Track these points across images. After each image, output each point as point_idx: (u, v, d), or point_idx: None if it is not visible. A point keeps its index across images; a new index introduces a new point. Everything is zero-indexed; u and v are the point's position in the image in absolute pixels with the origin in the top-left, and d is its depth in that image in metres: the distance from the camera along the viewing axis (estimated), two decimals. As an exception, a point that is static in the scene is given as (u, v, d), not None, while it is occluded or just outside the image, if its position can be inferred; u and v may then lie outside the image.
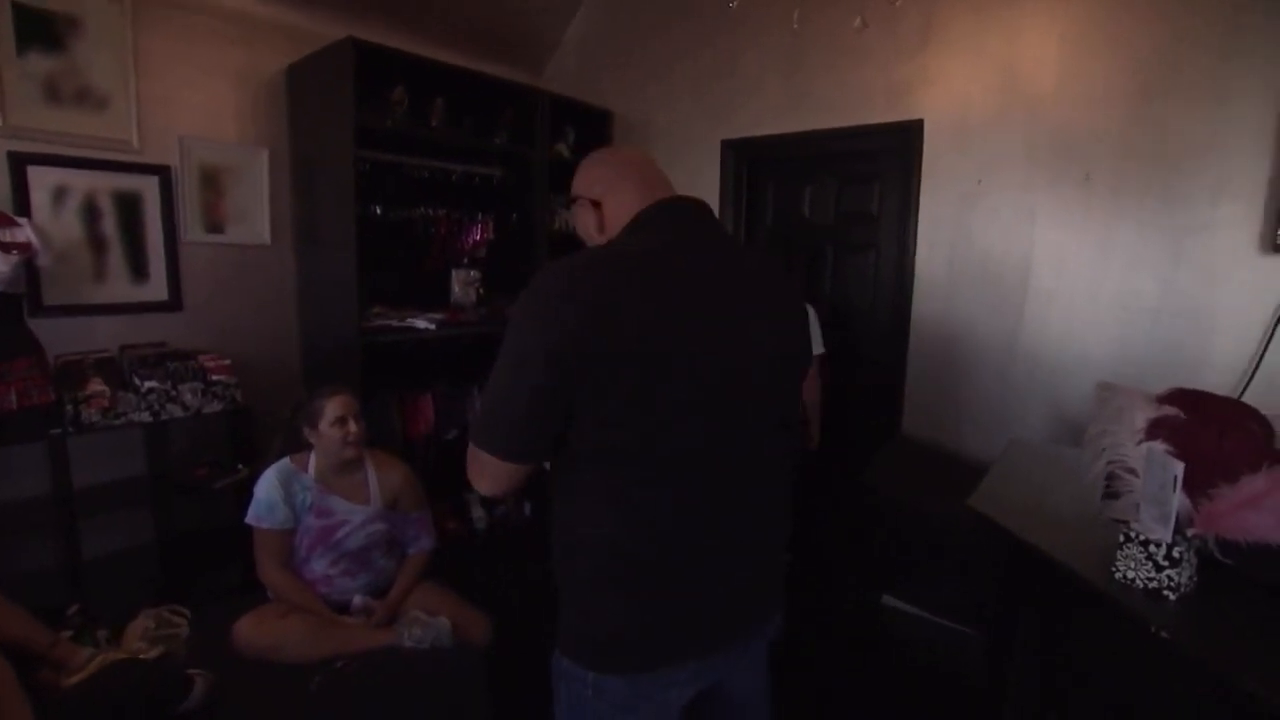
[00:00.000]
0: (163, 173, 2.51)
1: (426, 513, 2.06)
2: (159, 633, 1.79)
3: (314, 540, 1.88)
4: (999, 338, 2.58)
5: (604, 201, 1.01)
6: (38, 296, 2.26)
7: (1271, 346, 2.04)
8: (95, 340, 2.39)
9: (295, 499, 1.87)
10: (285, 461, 1.91)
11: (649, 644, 0.95)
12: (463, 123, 3.17)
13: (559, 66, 3.77)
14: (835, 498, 2.78)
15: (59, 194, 2.30)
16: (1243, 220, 2.08)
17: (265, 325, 2.85)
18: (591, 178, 1.04)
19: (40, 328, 2.17)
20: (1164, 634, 1.08)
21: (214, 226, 2.68)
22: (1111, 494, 1.33)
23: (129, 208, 2.46)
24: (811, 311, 2.62)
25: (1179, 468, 1.12)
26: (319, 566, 1.89)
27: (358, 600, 1.90)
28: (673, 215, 0.98)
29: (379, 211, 2.94)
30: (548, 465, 0.97)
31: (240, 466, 2.45)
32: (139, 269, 2.51)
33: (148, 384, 2.23)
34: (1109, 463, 1.35)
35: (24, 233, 2.06)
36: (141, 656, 1.67)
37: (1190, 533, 1.16)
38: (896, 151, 2.77)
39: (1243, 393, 2.06)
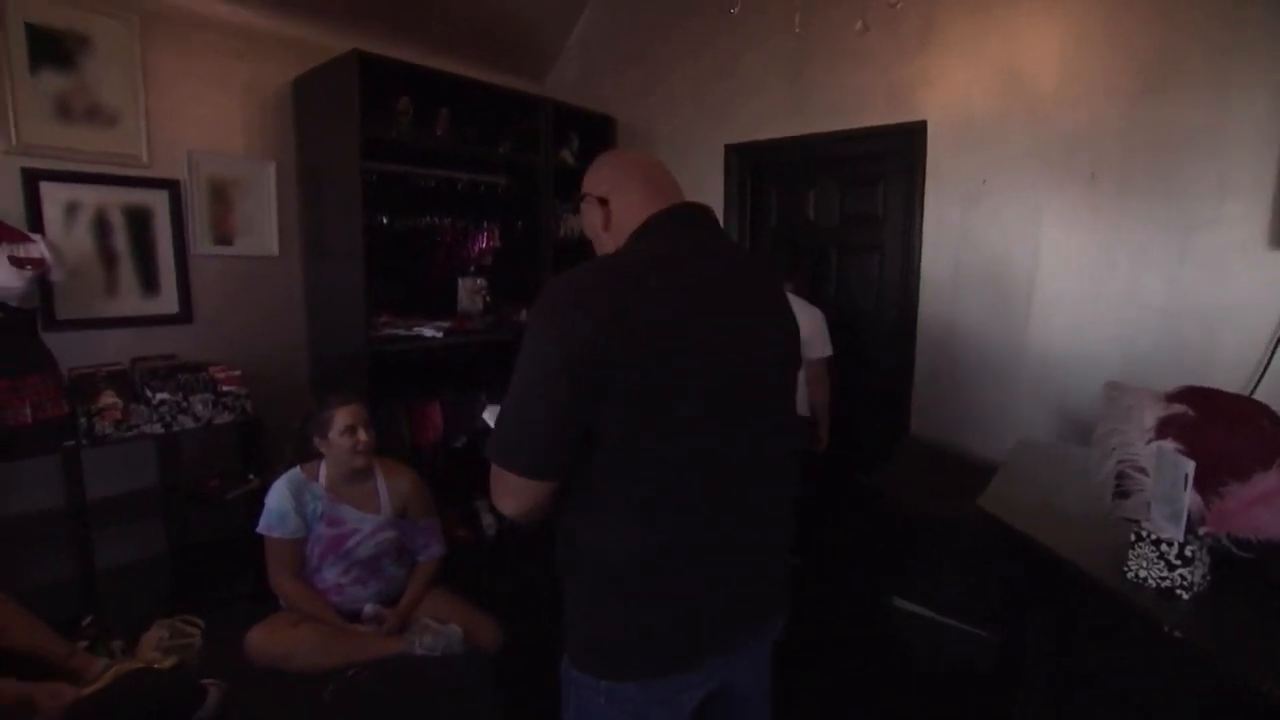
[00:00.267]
0: (172, 187, 2.54)
1: (436, 520, 2.07)
2: (173, 643, 1.81)
3: (325, 549, 1.89)
4: (1006, 338, 2.57)
5: (611, 200, 1.04)
6: (51, 311, 2.29)
7: (1282, 343, 2.03)
8: (107, 353, 2.41)
9: (306, 508, 1.88)
10: (296, 471, 1.92)
11: (662, 649, 0.95)
12: (467, 132, 3.19)
13: (561, 74, 3.80)
14: (843, 500, 2.78)
15: (71, 209, 2.33)
16: (1249, 216, 2.07)
17: (274, 336, 2.88)
18: (600, 177, 1.07)
19: (53, 341, 2.20)
20: (1177, 633, 1.07)
21: (223, 239, 2.71)
22: (1122, 493, 1.33)
23: (139, 222, 2.49)
24: (819, 314, 2.62)
25: (1190, 466, 1.12)
26: (330, 575, 1.90)
27: (369, 609, 1.91)
28: (680, 222, 1.00)
29: (385, 221, 2.96)
30: None
31: (251, 476, 2.47)
32: (149, 282, 2.53)
33: (159, 396, 2.25)
34: (1119, 462, 1.34)
35: (37, 248, 2.09)
36: (156, 666, 1.68)
37: (1202, 531, 1.16)
38: (900, 153, 2.77)
39: (1253, 390, 2.04)
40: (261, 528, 1.87)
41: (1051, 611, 1.62)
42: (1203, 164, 2.13)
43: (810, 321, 2.52)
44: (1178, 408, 1.32)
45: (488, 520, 3.15)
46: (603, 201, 1.04)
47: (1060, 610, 1.58)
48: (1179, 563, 1.16)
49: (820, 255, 3.10)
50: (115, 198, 2.42)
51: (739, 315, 0.96)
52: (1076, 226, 2.39)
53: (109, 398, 2.17)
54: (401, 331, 2.78)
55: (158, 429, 2.25)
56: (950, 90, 2.59)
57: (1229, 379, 2.06)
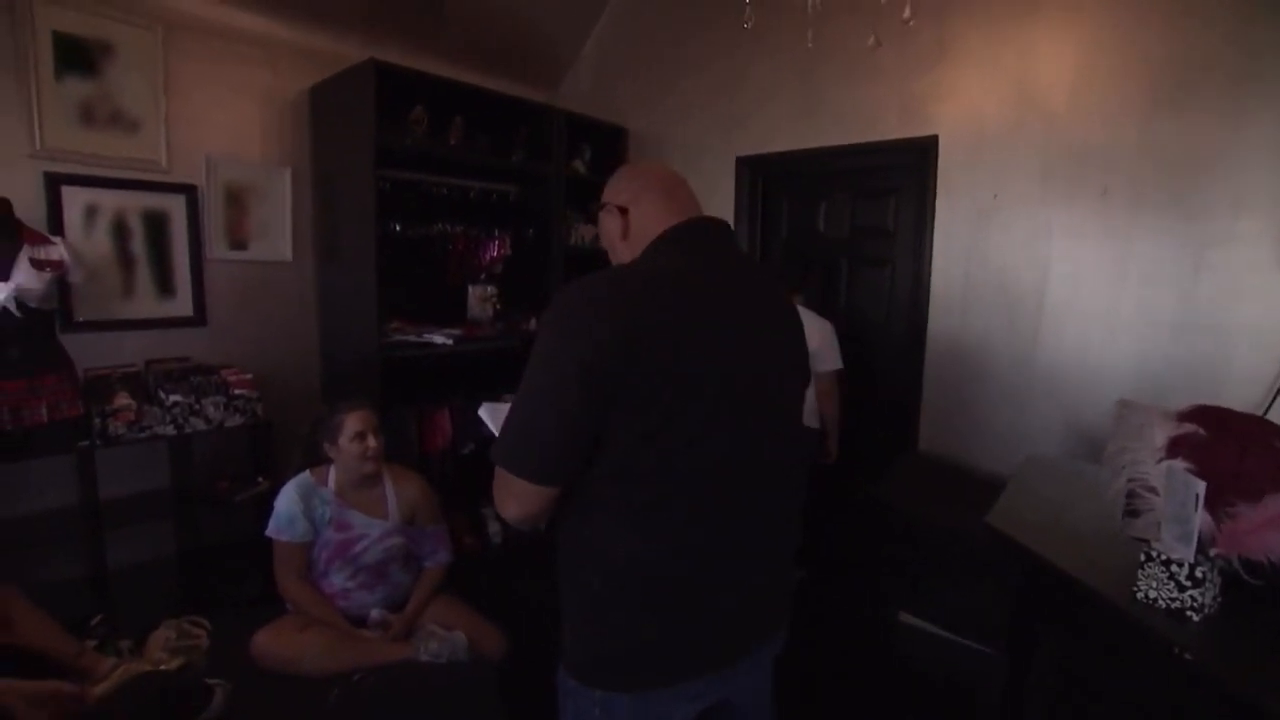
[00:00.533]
0: (189, 192, 2.58)
1: (443, 527, 2.07)
2: (180, 643, 1.81)
3: (332, 554, 1.90)
4: (1016, 352, 2.56)
5: (630, 210, 1.05)
6: (69, 312, 2.32)
7: (1296, 362, 2.01)
8: (122, 355, 2.45)
9: (314, 512, 1.89)
10: (305, 475, 1.93)
11: (660, 661, 0.95)
12: (480, 141, 3.22)
13: (574, 84, 3.83)
14: (851, 512, 2.76)
15: (90, 213, 2.37)
16: (1264, 234, 2.06)
17: (286, 340, 2.91)
18: (621, 187, 1.09)
19: (71, 342, 2.23)
20: (1187, 655, 1.06)
21: (238, 244, 2.74)
22: (1132, 512, 1.32)
23: (157, 226, 2.53)
24: (829, 327, 2.62)
25: (1200, 486, 1.11)
26: (337, 580, 1.91)
27: (375, 614, 1.92)
28: (696, 236, 1.01)
29: (398, 228, 2.99)
30: None
31: (260, 480, 2.49)
32: (165, 285, 2.57)
33: (172, 398, 2.28)
34: (1129, 480, 1.33)
35: (58, 251, 2.13)
36: (163, 667, 1.69)
37: (1213, 552, 1.15)
38: (911, 167, 2.78)
39: (1267, 410, 2.02)
40: (270, 531, 1.88)
41: (1059, 630, 1.60)
42: (1217, 180, 2.12)
43: (820, 333, 2.52)
44: (1189, 427, 1.31)
45: (494, 528, 3.15)
46: (622, 211, 1.06)
47: (1068, 629, 1.57)
48: (1189, 584, 1.15)
49: (831, 268, 3.10)
50: (134, 202, 2.46)
51: (748, 327, 0.96)
52: (1088, 242, 2.38)
53: (123, 399, 2.20)
54: (412, 338, 2.80)
55: (170, 431, 2.27)
56: (962, 105, 2.60)
57: (1242, 397, 2.04)
